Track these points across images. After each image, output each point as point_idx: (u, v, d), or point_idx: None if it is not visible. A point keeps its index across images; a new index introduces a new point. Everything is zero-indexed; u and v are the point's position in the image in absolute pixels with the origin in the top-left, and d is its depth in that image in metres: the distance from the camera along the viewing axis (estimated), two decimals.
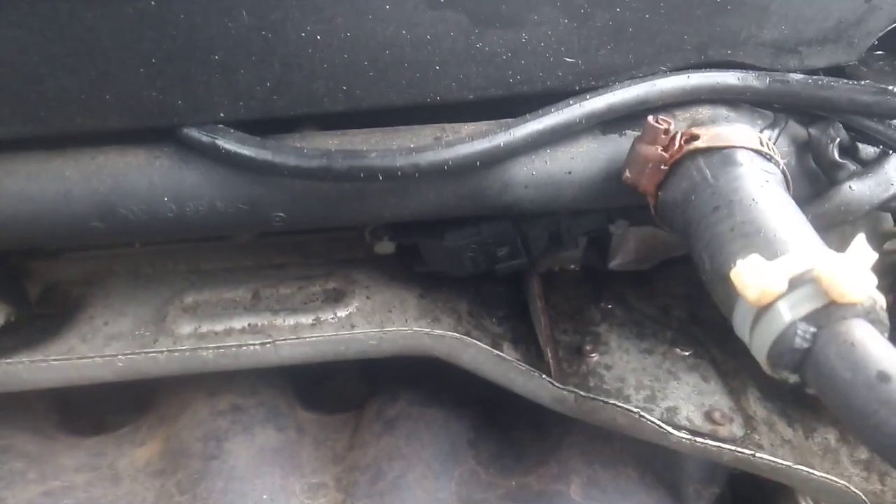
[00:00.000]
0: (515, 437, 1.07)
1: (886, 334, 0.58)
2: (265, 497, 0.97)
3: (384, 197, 0.80)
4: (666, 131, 0.73)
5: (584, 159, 0.80)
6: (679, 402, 0.94)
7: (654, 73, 0.82)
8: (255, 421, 1.07)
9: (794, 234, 0.62)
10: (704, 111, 0.82)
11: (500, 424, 1.09)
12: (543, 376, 0.87)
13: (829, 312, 0.56)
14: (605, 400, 0.85)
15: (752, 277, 0.58)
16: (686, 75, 0.80)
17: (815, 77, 0.80)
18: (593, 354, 1.01)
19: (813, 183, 0.81)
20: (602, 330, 1.07)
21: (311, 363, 0.93)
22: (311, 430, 1.12)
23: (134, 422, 1.14)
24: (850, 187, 0.77)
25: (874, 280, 0.57)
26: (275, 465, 1.02)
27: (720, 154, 0.72)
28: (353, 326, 1.01)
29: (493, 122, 0.82)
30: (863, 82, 0.84)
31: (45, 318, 1.08)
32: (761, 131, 0.81)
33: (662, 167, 0.74)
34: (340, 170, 0.74)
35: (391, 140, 0.81)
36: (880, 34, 0.83)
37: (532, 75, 0.80)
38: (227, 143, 0.76)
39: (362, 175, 0.74)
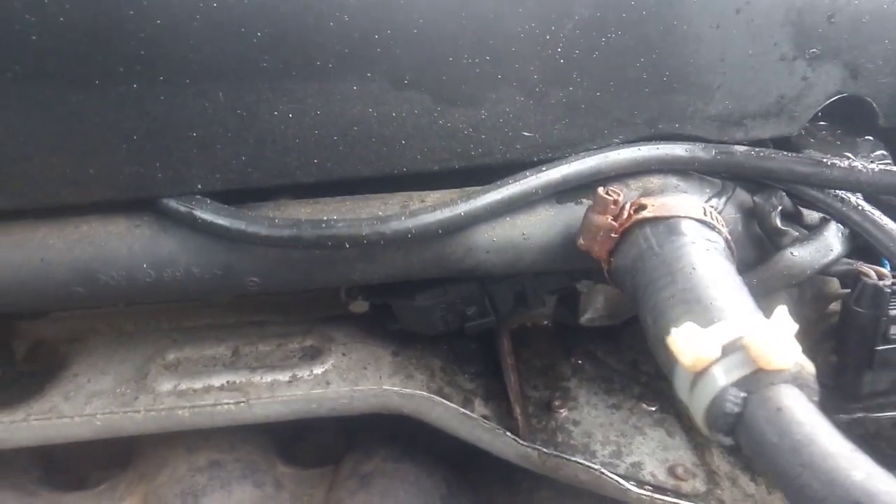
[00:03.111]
0: (486, 493, 1.09)
1: (816, 398, 0.61)
2: None
3: (353, 262, 0.85)
4: (615, 202, 0.78)
5: (541, 226, 0.85)
6: (644, 458, 0.97)
7: (607, 146, 0.87)
8: (232, 477, 1.09)
9: (730, 301, 0.66)
10: (655, 181, 0.87)
11: (471, 480, 1.12)
12: (507, 433, 0.90)
13: (757, 378, 0.59)
14: (568, 457, 0.88)
15: (686, 344, 0.62)
16: (637, 148, 0.85)
17: (757, 149, 0.85)
18: (562, 410, 1.04)
19: (758, 248, 0.86)
20: (572, 385, 1.10)
21: (285, 420, 0.96)
22: (289, 484, 1.14)
23: (114, 478, 1.16)
24: (791, 253, 0.82)
25: (798, 347, 0.60)
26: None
27: (665, 224, 0.77)
28: (328, 384, 1.04)
29: (457, 190, 0.87)
30: (803, 153, 0.90)
31: (30, 375, 1.11)
32: (709, 199, 0.86)
33: (612, 235, 0.79)
34: (309, 238, 0.79)
35: (360, 208, 0.86)
36: (819, 108, 0.89)
37: (493, 148, 0.86)
38: (204, 213, 0.80)
39: (330, 243, 0.79)
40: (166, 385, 1.04)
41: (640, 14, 0.80)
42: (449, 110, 0.82)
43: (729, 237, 0.78)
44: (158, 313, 1.17)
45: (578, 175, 0.84)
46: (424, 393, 0.94)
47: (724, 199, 0.86)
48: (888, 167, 0.77)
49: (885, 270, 0.77)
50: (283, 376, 1.05)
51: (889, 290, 0.75)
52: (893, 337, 0.76)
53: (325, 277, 0.86)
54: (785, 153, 0.83)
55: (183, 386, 1.04)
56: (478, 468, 1.11)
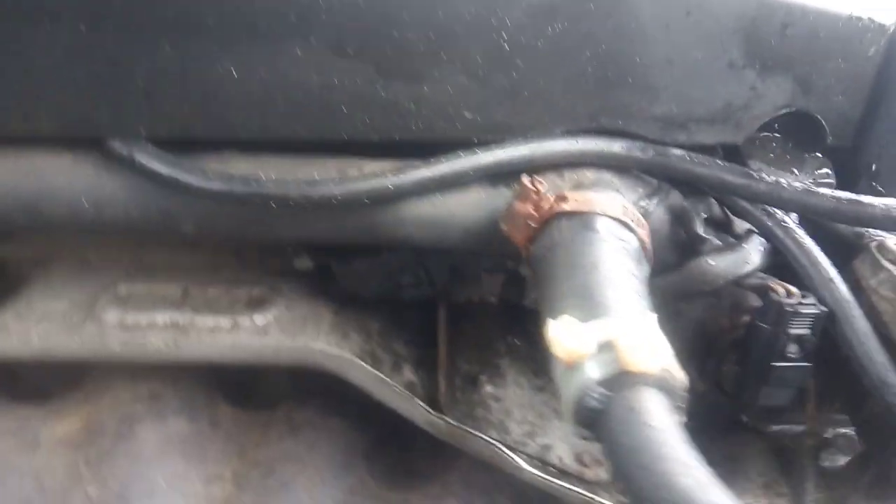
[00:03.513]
0: (410, 454, 1.13)
1: (681, 405, 0.63)
2: (162, 482, 1.04)
3: (282, 222, 0.87)
4: (537, 191, 0.79)
5: (470, 207, 0.87)
6: (555, 441, 1.00)
7: (547, 134, 0.88)
8: (169, 409, 1.14)
9: (619, 301, 0.68)
10: (590, 175, 0.87)
11: (400, 439, 1.16)
12: (418, 401, 0.94)
13: (622, 379, 0.61)
14: (471, 431, 0.91)
15: (561, 336, 0.64)
16: (574, 140, 0.86)
17: (693, 155, 0.85)
18: (487, 386, 1.07)
19: (680, 252, 0.87)
20: (503, 363, 1.12)
21: (213, 365, 1.00)
22: (226, 424, 1.19)
23: (63, 395, 1.22)
24: (707, 261, 0.83)
25: (667, 353, 0.62)
26: (180, 453, 1.09)
27: (581, 218, 0.78)
28: (265, 334, 1.08)
29: (396, 161, 0.89)
30: (735, 165, 0.90)
31: None
32: (640, 199, 0.86)
33: (532, 224, 0.80)
34: (239, 194, 0.81)
35: (299, 169, 0.88)
36: (766, 119, 0.89)
37: (433, 125, 0.87)
38: (142, 157, 0.83)
39: (258, 201, 0.81)
40: (113, 316, 1.08)
41: (588, 7, 0.80)
42: (391, 83, 0.83)
43: (646, 239, 0.79)
44: (121, 245, 1.21)
45: (511, 161, 0.85)
46: (346, 354, 0.98)
47: (655, 201, 0.86)
48: (811, 188, 0.77)
49: (795, 289, 0.78)
50: (225, 322, 1.08)
51: (791, 309, 0.75)
52: (791, 355, 0.77)
53: (258, 233, 0.89)
54: (718, 162, 0.83)
55: (128, 319, 1.08)
56: (408, 428, 1.15)
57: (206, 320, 1.08)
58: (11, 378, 1.27)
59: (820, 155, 0.92)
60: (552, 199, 0.80)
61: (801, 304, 0.76)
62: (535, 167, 0.87)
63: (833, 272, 0.78)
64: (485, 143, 0.87)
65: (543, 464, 0.94)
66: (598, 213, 0.78)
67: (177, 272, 1.17)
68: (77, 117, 0.84)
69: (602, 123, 0.88)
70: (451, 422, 0.92)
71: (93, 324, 1.07)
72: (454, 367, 1.10)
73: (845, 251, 0.86)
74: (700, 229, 0.84)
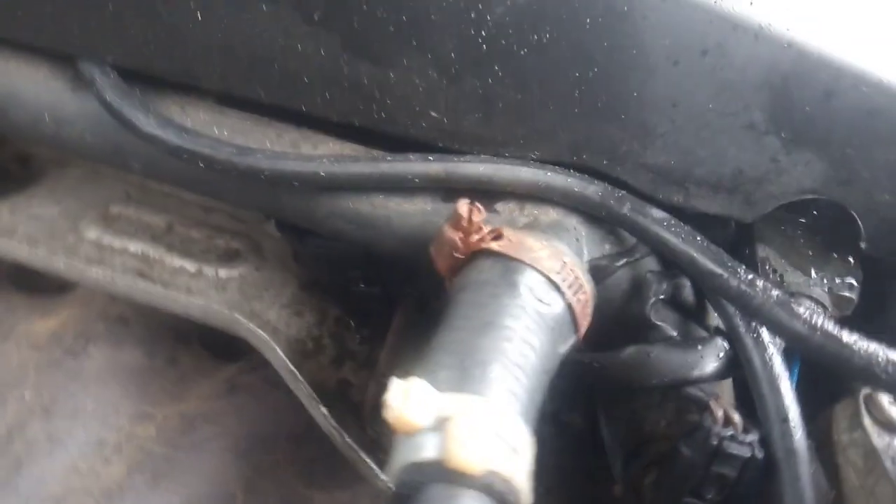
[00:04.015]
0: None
1: None
2: (90, 406, 1.04)
3: (217, 183, 0.82)
4: (469, 220, 0.68)
5: (412, 217, 0.77)
6: None
7: (521, 158, 0.76)
8: (131, 338, 1.15)
9: (493, 380, 0.57)
10: (554, 214, 0.75)
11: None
12: (321, 407, 0.87)
13: (441, 470, 0.51)
14: (359, 452, 0.83)
15: (398, 397, 0.54)
16: (544, 171, 0.74)
17: (675, 221, 0.70)
18: None
19: (624, 332, 0.72)
20: None
21: (144, 305, 0.98)
22: (184, 366, 1.18)
23: (56, 296, 1.26)
24: (647, 352, 0.68)
25: (503, 455, 0.51)
26: (122, 383, 1.09)
27: (504, 264, 0.66)
28: (223, 289, 1.05)
29: (354, 147, 0.81)
30: (755, 249, 0.74)
31: (5, 180, 1.21)
32: (603, 258, 0.73)
33: (456, 255, 0.70)
34: (170, 145, 0.77)
35: (254, 132, 0.82)
36: (786, 201, 0.72)
37: (397, 118, 0.78)
38: (101, 84, 0.80)
39: (185, 156, 0.76)
40: (93, 233, 1.09)
41: (583, 19, 0.67)
42: (356, 61, 0.75)
43: (578, 306, 0.66)
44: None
45: (465, 177, 0.74)
46: (264, 335, 0.92)
47: (620, 264, 0.73)
48: (787, 303, 0.60)
49: (737, 418, 0.62)
50: (191, 267, 1.07)
51: (716, 443, 0.60)
52: (707, 496, 0.62)
53: (196, 188, 0.85)
54: (697, 237, 0.68)
55: (105, 240, 1.09)
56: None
57: (174, 260, 1.07)
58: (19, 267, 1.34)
59: (851, 260, 0.74)
60: (485, 232, 0.69)
61: (734, 438, 0.60)
62: (494, 191, 0.75)
63: (793, 412, 0.62)
64: (450, 151, 0.77)
65: None
66: (526, 264, 0.66)
67: (173, 205, 1.16)
68: (53, 31, 0.82)
69: (583, 160, 0.75)
70: (347, 439, 0.84)
71: (72, 235, 1.09)
72: (394, 373, 1.02)
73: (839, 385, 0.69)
74: (651, 313, 0.69)
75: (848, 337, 0.57)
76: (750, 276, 0.63)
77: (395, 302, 1.03)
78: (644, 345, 0.69)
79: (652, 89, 0.69)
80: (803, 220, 0.76)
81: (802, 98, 0.66)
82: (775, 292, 0.61)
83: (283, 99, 0.80)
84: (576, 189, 0.73)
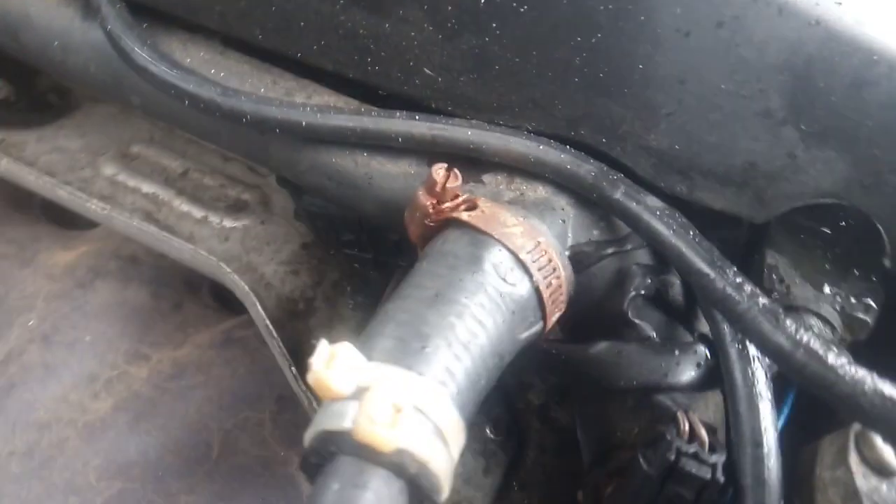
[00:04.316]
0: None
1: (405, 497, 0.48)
2: (88, 339, 1.06)
3: (207, 124, 0.80)
4: (443, 186, 0.64)
5: (393, 179, 0.73)
6: None
7: (514, 128, 0.70)
8: (139, 277, 1.16)
9: (427, 352, 0.52)
10: (542, 191, 0.69)
11: None
12: (290, 367, 0.84)
13: (351, 442, 0.48)
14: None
15: (322, 360, 0.51)
16: (536, 143, 0.68)
17: (671, 212, 0.63)
18: None
19: (602, 326, 0.66)
20: None
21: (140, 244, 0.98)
22: (189, 312, 1.18)
23: (83, 230, 1.28)
24: (616, 351, 0.62)
25: (425, 438, 0.47)
26: (122, 321, 1.10)
27: (472, 235, 0.61)
28: (226, 239, 1.04)
29: (346, 100, 0.77)
30: (765, 254, 0.66)
31: (42, 111, 1.23)
32: (589, 244, 0.67)
33: (427, 222, 0.65)
34: (160, 81, 0.75)
35: (250, 76, 0.80)
36: (801, 204, 0.63)
37: (390, 72, 0.73)
38: (106, 14, 0.79)
39: (173, 92, 0.74)
40: (110, 170, 1.10)
41: None
42: (352, 8, 0.71)
43: (548, 290, 0.60)
44: None
45: (452, 141, 0.69)
46: (245, 287, 0.90)
47: (607, 252, 0.67)
48: (778, 317, 0.52)
49: (704, 435, 0.55)
50: (198, 213, 1.06)
51: (673, 459, 0.53)
52: None
53: (188, 126, 0.83)
54: (689, 232, 0.60)
55: (120, 177, 1.09)
56: None
57: (183, 205, 1.07)
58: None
59: (873, 278, 0.65)
60: (459, 201, 0.64)
61: (696, 457, 0.54)
62: (483, 160, 0.70)
63: (769, 437, 0.54)
64: (443, 113, 0.73)
65: None
66: (494, 238, 0.60)
67: (193, 151, 1.16)
68: None
69: (581, 136, 0.69)
70: (314, 403, 0.82)
71: (90, 170, 1.10)
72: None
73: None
74: (628, 307, 0.63)
75: (834, 359, 0.49)
76: (738, 280, 0.56)
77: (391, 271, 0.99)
78: (617, 342, 0.63)
79: (658, 62, 0.62)
80: (822, 228, 0.67)
81: (828, 85, 0.57)
82: (762, 300, 0.54)
83: (279, 43, 0.77)
84: (568, 166, 0.67)
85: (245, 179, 1.13)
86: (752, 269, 0.68)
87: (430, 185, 0.65)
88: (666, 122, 0.64)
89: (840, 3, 0.56)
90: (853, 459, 0.53)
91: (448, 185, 0.63)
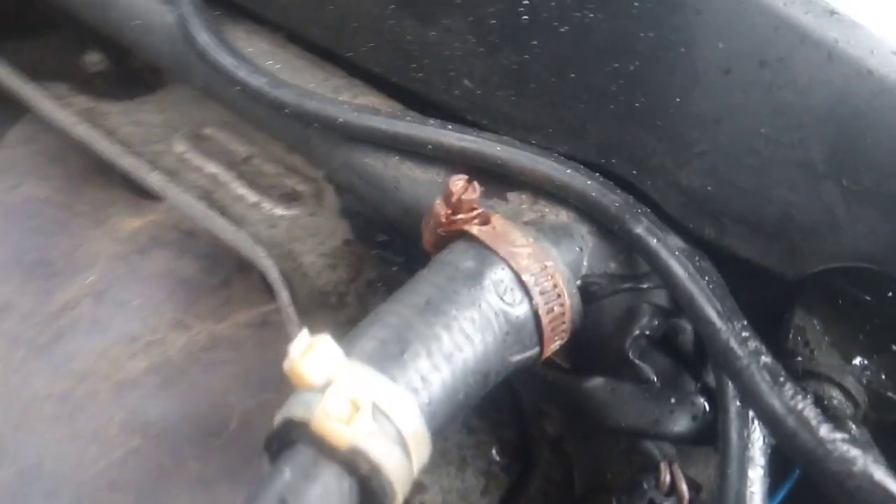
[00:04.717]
0: None
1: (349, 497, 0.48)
2: (136, 303, 1.11)
3: (257, 112, 0.82)
4: (459, 198, 0.63)
5: (420, 186, 0.73)
6: None
7: (547, 149, 0.69)
8: (194, 251, 1.21)
9: (405, 359, 0.52)
10: (563, 216, 0.67)
11: None
12: None
13: (308, 433, 0.48)
14: None
15: (299, 349, 0.51)
16: (564, 168, 0.66)
17: (692, 254, 0.60)
18: None
19: (604, 363, 0.63)
20: None
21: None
22: (235, 291, 1.22)
23: (150, 200, 1.35)
24: (610, 388, 0.59)
25: (379, 443, 0.47)
26: (171, 290, 1.15)
27: (477, 250, 0.60)
28: (274, 226, 1.07)
29: (387, 102, 0.78)
30: (793, 313, 0.62)
31: (131, 85, 1.31)
32: (607, 276, 0.65)
33: (439, 231, 0.65)
34: (215, 63, 0.78)
35: (301, 69, 0.82)
36: (837, 265, 0.59)
37: (432, 79, 0.74)
38: (181, 1, 0.84)
39: (226, 77, 0.77)
40: (180, 147, 1.16)
41: (630, 5, 0.59)
42: (401, 14, 0.72)
43: (548, 316, 0.59)
44: None
45: (479, 155, 0.68)
46: (278, 277, 0.91)
47: (621, 287, 0.64)
48: (775, 368, 0.48)
49: (686, 494, 0.52)
50: (253, 198, 1.10)
51: None
52: None
53: (242, 112, 0.86)
54: (707, 277, 0.57)
55: (188, 155, 1.15)
56: None
57: (240, 188, 1.11)
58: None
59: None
60: (474, 214, 0.63)
61: None
62: (511, 177, 0.69)
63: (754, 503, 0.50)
64: (478, 127, 0.72)
65: None
66: (499, 256, 0.59)
67: (261, 139, 1.20)
68: None
69: (612, 164, 0.67)
70: None
71: (162, 145, 1.16)
72: None
73: None
74: (629, 346, 0.60)
75: (827, 432, 0.45)
76: (745, 334, 0.52)
77: None
78: (613, 380, 0.60)
79: (696, 98, 0.59)
80: (864, 296, 0.62)
81: (876, 142, 0.53)
82: (765, 359, 0.50)
83: (333, 42, 0.79)
84: (593, 194, 0.65)
85: (304, 171, 1.16)
86: (782, 329, 0.64)
87: (447, 195, 0.64)
88: (699, 160, 0.61)
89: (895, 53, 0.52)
90: None
91: (464, 196, 0.63)
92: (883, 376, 0.59)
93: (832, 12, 0.53)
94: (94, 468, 0.93)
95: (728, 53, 0.56)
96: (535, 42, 0.65)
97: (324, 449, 0.47)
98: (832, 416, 0.57)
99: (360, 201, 0.87)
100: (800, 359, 0.61)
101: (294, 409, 0.49)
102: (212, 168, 1.13)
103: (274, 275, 0.92)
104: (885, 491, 0.40)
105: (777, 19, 0.53)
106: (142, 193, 1.38)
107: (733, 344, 0.52)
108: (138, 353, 1.06)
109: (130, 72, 1.32)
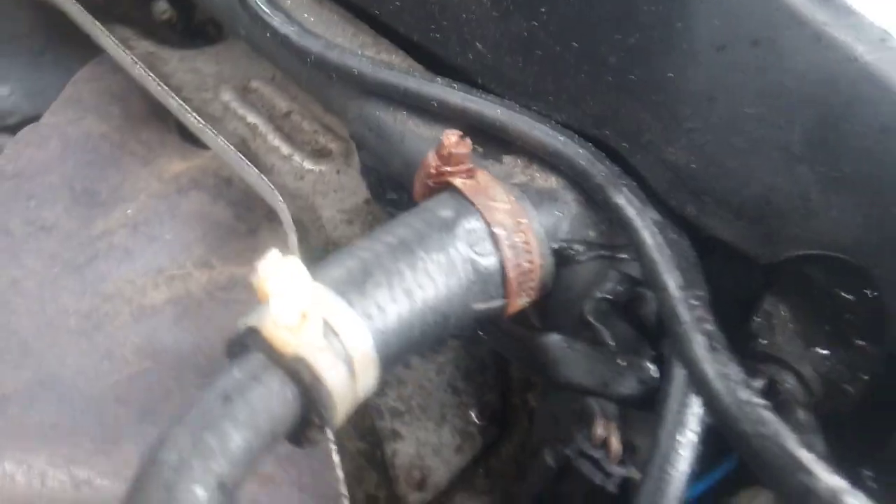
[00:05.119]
0: None
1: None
2: (168, 237, 1.18)
3: (289, 62, 0.87)
4: (450, 151, 0.65)
5: (422, 143, 0.75)
6: None
7: (546, 116, 0.71)
8: (229, 196, 1.26)
9: (367, 288, 0.55)
10: (552, 182, 0.68)
11: None
12: None
13: (260, 339, 0.52)
14: None
15: (268, 266, 0.55)
16: (558, 135, 0.68)
17: (665, 226, 0.61)
18: None
19: (569, 323, 0.64)
20: None
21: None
22: (262, 239, 1.27)
23: (198, 146, 1.42)
24: (565, 346, 0.60)
25: (325, 357, 0.50)
26: (203, 229, 1.21)
27: (459, 202, 0.62)
28: (301, 178, 1.12)
29: (407, 60, 0.82)
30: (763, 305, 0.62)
31: (194, 36, 1.38)
32: (583, 242, 0.66)
33: (428, 182, 0.67)
34: (252, 10, 0.83)
35: (333, 24, 0.87)
36: (809, 253, 0.58)
37: (448, 42, 0.76)
38: None
39: (259, 24, 0.82)
40: (227, 97, 1.23)
41: None
42: None
43: (516, 271, 0.60)
44: None
45: (480, 116, 0.71)
46: (290, 223, 0.96)
47: (594, 254, 0.65)
48: (717, 335, 0.48)
49: (617, 450, 0.52)
50: (286, 150, 1.15)
51: (572, 457, 0.51)
52: None
53: (276, 61, 0.91)
54: (676, 249, 0.58)
55: (233, 104, 1.21)
56: None
57: (276, 140, 1.16)
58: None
59: (876, 353, 0.59)
60: (462, 168, 0.66)
61: (594, 462, 0.51)
62: (505, 138, 0.71)
63: (678, 467, 0.50)
64: (487, 90, 0.74)
65: None
66: (476, 207, 0.62)
67: (303, 97, 1.24)
68: None
69: (606, 136, 0.68)
70: None
71: (211, 93, 1.23)
72: None
73: None
74: (588, 308, 0.61)
75: (747, 396, 0.45)
76: (694, 302, 0.53)
77: None
78: (570, 339, 0.62)
79: (690, 74, 0.60)
80: (842, 292, 0.61)
81: (854, 128, 0.53)
82: (709, 327, 0.51)
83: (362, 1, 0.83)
84: (582, 162, 0.66)
85: (338, 131, 1.20)
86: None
87: (439, 148, 0.67)
88: (688, 137, 0.62)
89: (884, 40, 0.51)
90: None
91: (455, 150, 0.65)
92: (844, 369, 0.59)
93: None
94: (104, 382, 0.99)
95: (723, 31, 0.57)
96: (543, 10, 0.67)
97: (272, 355, 0.51)
98: (783, 400, 0.57)
99: (371, 157, 0.90)
100: (763, 342, 0.61)
101: (251, 317, 0.53)
102: (253, 118, 1.19)
103: (286, 218, 0.96)
104: (788, 454, 0.41)
105: None
106: (193, 140, 1.46)
107: (680, 309, 0.53)
108: (161, 284, 1.12)
109: (195, 23, 1.39)
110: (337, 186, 1.11)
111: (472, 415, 0.92)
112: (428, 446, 0.88)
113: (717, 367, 0.47)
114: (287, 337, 0.50)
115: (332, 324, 0.52)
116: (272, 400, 0.50)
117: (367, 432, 0.91)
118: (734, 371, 0.47)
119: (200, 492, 0.45)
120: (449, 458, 0.88)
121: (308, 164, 1.13)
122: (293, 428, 0.52)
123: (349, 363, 0.52)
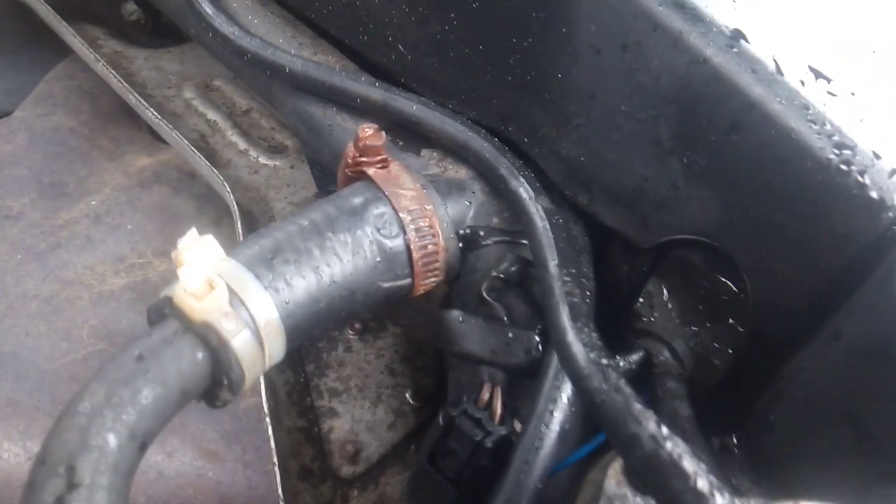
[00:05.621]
0: None
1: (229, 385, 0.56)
2: (129, 227, 1.23)
3: (232, 60, 0.93)
4: (365, 143, 0.71)
5: (349, 135, 0.80)
6: None
7: (459, 113, 0.77)
8: (189, 190, 1.32)
9: (275, 264, 0.61)
10: (461, 173, 0.75)
11: None
12: None
13: (172, 307, 0.57)
14: None
15: (186, 242, 0.61)
16: (468, 130, 0.74)
17: (554, 210, 0.67)
18: None
19: (472, 302, 0.70)
20: None
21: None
22: (224, 233, 1.34)
23: (168, 146, 1.48)
24: (460, 319, 0.66)
25: (233, 325, 0.55)
26: (164, 221, 1.26)
27: (371, 190, 0.68)
28: (255, 172, 1.18)
29: (345, 62, 0.88)
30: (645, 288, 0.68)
31: (162, 36, 1.44)
32: (486, 228, 0.72)
33: (347, 171, 0.73)
34: (198, 14, 0.89)
35: (274, 26, 0.92)
36: (680, 237, 0.65)
37: (374, 45, 0.83)
38: None
39: (203, 25, 0.88)
40: (189, 94, 1.28)
41: None
42: None
43: (420, 253, 0.66)
44: None
45: (398, 111, 0.77)
46: (236, 211, 1.02)
47: (495, 239, 0.71)
48: (581, 307, 0.54)
49: (499, 411, 0.58)
50: (243, 145, 1.21)
51: (454, 416, 0.57)
52: (443, 468, 0.59)
53: (221, 59, 0.97)
54: (563, 239, 0.64)
55: (195, 102, 1.27)
56: None
57: (233, 136, 1.22)
58: None
59: (742, 329, 0.65)
60: (377, 159, 0.72)
61: (476, 421, 0.57)
62: (421, 132, 0.77)
63: (551, 427, 0.57)
64: (409, 90, 0.81)
65: None
66: (384, 194, 0.68)
67: None
68: None
69: (509, 132, 0.74)
70: None
71: (174, 90, 1.29)
72: None
73: None
74: (484, 285, 0.67)
75: (597, 357, 0.52)
76: (567, 279, 0.59)
77: None
78: (468, 314, 0.68)
79: (573, 75, 0.66)
80: (710, 270, 0.68)
81: (709, 124, 0.59)
82: (575, 300, 0.57)
83: (298, 1, 0.89)
84: (487, 155, 0.73)
85: None
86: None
87: (356, 140, 0.73)
88: (576, 132, 0.68)
89: (731, 47, 0.58)
90: (616, 466, 0.55)
91: (369, 142, 0.72)
92: (714, 343, 0.65)
93: (681, 5, 0.59)
94: (60, 361, 1.05)
95: (598, 35, 0.63)
96: (453, 15, 0.73)
97: (185, 322, 0.56)
98: (657, 372, 0.64)
99: (307, 149, 0.96)
100: (644, 319, 0.67)
101: (168, 287, 0.59)
102: (213, 115, 1.25)
103: (233, 206, 1.02)
104: (625, 406, 0.47)
105: (635, 8, 0.60)
106: (160, 137, 1.52)
107: (553, 285, 0.59)
108: (121, 271, 1.18)
109: (163, 24, 1.45)
110: (290, 181, 1.17)
111: (408, 395, 0.98)
112: (362, 423, 0.93)
113: (575, 332, 0.53)
114: (192, 303, 0.56)
115: (239, 294, 0.58)
116: (182, 361, 0.55)
117: (307, 410, 0.96)
118: (590, 337, 0.53)
119: (112, 438, 0.50)
120: (382, 434, 0.93)
121: (263, 160, 1.19)
122: (205, 389, 0.58)
123: (255, 330, 0.58)
